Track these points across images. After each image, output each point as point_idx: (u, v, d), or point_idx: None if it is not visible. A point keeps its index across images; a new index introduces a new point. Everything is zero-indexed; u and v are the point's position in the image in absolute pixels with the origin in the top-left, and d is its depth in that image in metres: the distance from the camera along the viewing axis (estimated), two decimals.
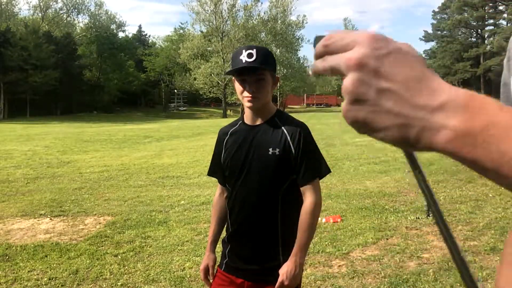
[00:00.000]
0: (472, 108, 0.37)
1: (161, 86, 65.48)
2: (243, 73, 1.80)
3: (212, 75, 51.77)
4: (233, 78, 1.87)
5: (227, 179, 1.98)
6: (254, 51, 1.78)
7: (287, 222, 1.85)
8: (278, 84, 1.98)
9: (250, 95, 1.79)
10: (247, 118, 1.93)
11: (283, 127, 1.86)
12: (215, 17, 53.18)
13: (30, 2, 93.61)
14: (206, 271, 2.00)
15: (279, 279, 1.77)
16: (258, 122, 1.90)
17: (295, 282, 1.78)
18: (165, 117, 53.73)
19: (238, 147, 1.91)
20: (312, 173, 1.85)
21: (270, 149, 1.84)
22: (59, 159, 12.34)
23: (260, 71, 1.80)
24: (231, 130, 1.99)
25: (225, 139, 1.98)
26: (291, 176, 1.85)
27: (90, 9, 63.55)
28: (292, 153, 1.83)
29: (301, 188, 1.85)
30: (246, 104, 1.83)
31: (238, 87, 1.84)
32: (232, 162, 1.92)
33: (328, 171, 1.94)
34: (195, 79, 53.88)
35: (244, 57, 1.77)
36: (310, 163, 1.85)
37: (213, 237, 2.06)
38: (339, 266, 3.94)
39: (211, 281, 2.00)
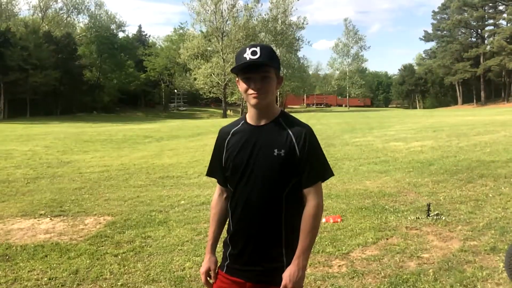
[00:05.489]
0: None
1: (161, 86, 65.48)
2: (247, 70, 1.78)
3: (213, 75, 51.80)
4: (237, 78, 1.83)
5: (228, 180, 1.93)
6: (258, 49, 1.76)
7: (291, 224, 1.82)
8: None
9: (256, 92, 1.76)
10: (251, 118, 1.89)
11: (288, 129, 1.83)
12: (215, 17, 53.22)
13: (30, 2, 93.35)
14: (207, 274, 1.96)
15: (283, 283, 1.75)
16: (263, 122, 1.86)
17: (298, 286, 1.76)
18: (165, 117, 53.76)
19: (241, 147, 1.86)
20: (315, 176, 1.83)
21: (276, 150, 1.80)
22: (59, 159, 12.34)
23: (265, 67, 1.77)
24: (233, 130, 1.93)
25: (227, 139, 1.92)
26: (295, 178, 1.82)
27: (90, 9, 63.57)
28: (296, 155, 1.80)
29: (304, 190, 1.83)
30: (252, 101, 1.79)
31: (242, 85, 1.80)
32: (234, 162, 1.87)
33: (331, 174, 1.91)
34: (195, 79, 53.92)
35: (248, 55, 1.75)
36: (314, 166, 1.82)
37: (213, 239, 2.01)
38: (339, 266, 3.93)
39: (212, 282, 1.96)
